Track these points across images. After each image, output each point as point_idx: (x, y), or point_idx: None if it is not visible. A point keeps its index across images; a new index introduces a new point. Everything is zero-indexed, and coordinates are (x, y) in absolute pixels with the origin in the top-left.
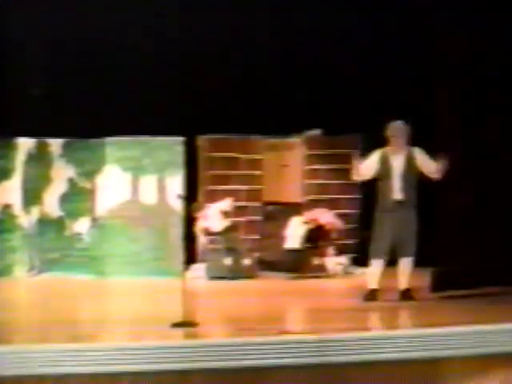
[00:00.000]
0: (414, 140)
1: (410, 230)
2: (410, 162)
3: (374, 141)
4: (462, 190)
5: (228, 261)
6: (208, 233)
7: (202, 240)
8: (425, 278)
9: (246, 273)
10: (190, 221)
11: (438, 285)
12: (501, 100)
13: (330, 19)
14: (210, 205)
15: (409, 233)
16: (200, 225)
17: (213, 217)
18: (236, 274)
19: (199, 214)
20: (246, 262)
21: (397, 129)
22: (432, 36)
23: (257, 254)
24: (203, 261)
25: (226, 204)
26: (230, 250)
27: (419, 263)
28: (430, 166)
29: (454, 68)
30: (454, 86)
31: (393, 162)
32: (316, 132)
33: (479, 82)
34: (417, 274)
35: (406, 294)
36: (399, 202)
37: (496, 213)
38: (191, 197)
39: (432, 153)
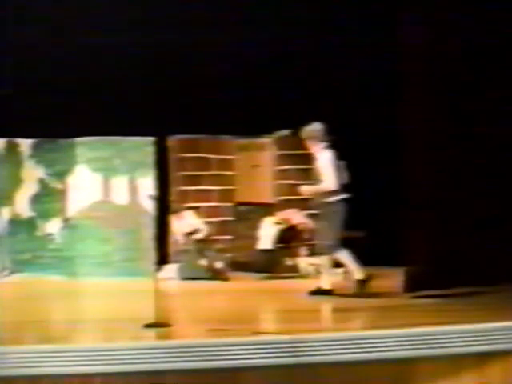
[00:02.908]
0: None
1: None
2: (317, 166)
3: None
4: (436, 189)
5: (200, 262)
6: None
7: (176, 241)
8: (398, 278)
9: (218, 274)
10: (161, 221)
11: (411, 285)
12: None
13: (305, 20)
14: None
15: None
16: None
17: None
18: (208, 274)
19: (174, 217)
20: (218, 263)
21: (307, 132)
22: (400, 40)
23: (229, 255)
24: (175, 261)
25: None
26: (202, 251)
27: (392, 263)
28: (323, 176)
29: (419, 69)
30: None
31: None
32: (285, 132)
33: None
34: (390, 274)
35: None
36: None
37: (470, 212)
38: (162, 197)
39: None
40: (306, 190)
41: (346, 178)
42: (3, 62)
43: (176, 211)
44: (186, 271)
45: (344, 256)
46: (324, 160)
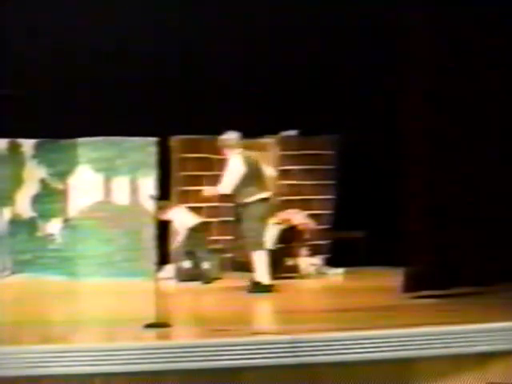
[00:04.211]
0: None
1: None
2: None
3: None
4: (435, 189)
5: (184, 264)
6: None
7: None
8: (398, 278)
9: (211, 275)
10: (162, 221)
11: (411, 285)
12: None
13: (307, 19)
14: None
15: None
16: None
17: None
18: (198, 277)
19: (164, 214)
20: (212, 265)
21: (222, 140)
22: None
23: (230, 255)
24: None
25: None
26: (192, 253)
27: (392, 263)
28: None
29: (422, 67)
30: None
31: None
32: (292, 133)
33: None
34: (389, 274)
35: None
36: None
37: (469, 212)
38: (164, 198)
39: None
40: (208, 190)
41: (264, 182)
42: (5, 62)
43: (161, 207)
44: (176, 274)
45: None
46: (230, 166)
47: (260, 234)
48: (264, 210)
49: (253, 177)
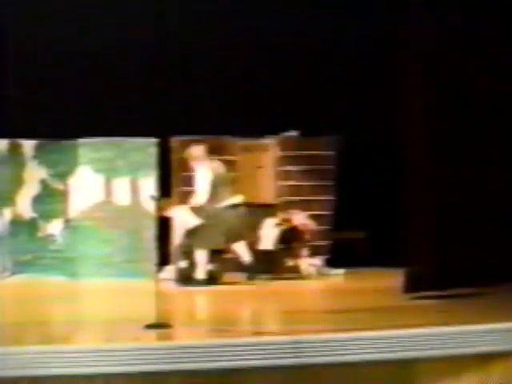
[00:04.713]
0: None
1: None
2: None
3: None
4: (436, 189)
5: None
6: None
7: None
8: (398, 279)
9: (217, 276)
10: (163, 222)
11: (412, 285)
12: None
13: (308, 19)
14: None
15: None
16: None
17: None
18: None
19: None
20: (215, 266)
21: (189, 153)
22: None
23: (230, 256)
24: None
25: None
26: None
27: (393, 263)
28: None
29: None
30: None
31: None
32: (292, 133)
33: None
34: (390, 275)
35: None
36: None
37: (470, 213)
38: (164, 198)
39: None
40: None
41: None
42: (5, 62)
43: (162, 208)
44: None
45: (201, 255)
46: (200, 177)
47: (211, 236)
48: (231, 216)
49: (219, 185)
